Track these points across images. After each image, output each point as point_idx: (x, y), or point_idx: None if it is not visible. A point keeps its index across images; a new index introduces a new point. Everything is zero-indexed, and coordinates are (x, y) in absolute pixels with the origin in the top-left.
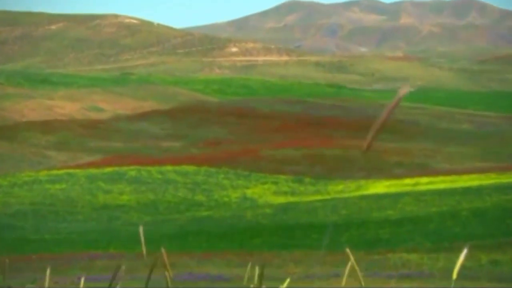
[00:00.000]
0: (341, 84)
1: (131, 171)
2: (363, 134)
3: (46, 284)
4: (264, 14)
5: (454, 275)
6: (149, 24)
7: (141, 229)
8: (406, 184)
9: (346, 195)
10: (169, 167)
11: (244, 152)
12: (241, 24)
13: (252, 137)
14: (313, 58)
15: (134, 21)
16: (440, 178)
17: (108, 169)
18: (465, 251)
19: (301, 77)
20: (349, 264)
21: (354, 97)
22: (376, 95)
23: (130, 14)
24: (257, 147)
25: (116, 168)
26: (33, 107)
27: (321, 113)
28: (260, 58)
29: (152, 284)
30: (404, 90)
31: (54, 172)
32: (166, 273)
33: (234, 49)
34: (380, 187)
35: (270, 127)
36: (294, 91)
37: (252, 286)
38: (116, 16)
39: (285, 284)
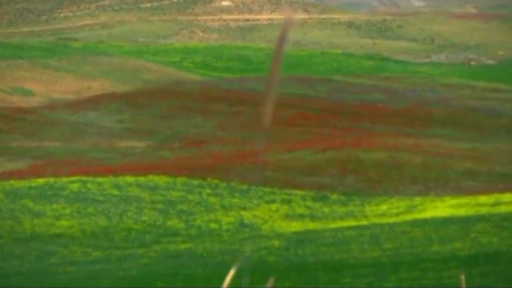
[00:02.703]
0: (385, 55)
1: (73, 183)
2: (418, 129)
3: None
4: None
5: None
6: None
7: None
8: (481, 203)
9: (392, 219)
10: (129, 178)
11: (240, 155)
12: None
13: (252, 134)
14: (344, 17)
15: None
16: None
17: (39, 181)
18: None
19: (325, 44)
20: None
21: (404, 73)
22: (436, 70)
23: None
24: (259, 148)
25: (51, 180)
26: None
27: (355, 98)
28: (264, 17)
29: None
30: (288, 14)
31: None
32: None
33: (225, 3)
34: (443, 207)
35: (279, 119)
36: (314, 65)
37: None
38: None
39: None
